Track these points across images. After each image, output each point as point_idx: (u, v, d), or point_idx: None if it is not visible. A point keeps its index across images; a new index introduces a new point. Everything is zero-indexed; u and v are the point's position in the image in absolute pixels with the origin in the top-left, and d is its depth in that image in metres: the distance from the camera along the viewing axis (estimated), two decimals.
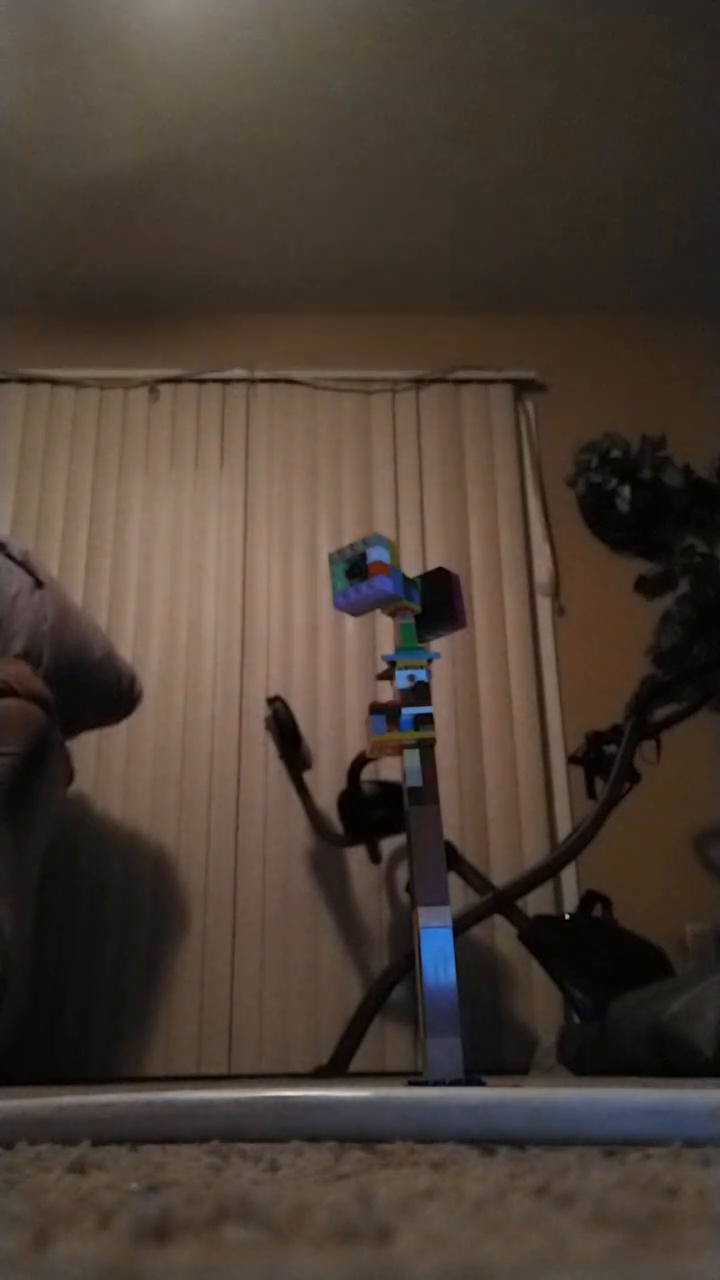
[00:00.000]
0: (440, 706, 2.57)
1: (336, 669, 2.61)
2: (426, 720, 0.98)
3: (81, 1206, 0.30)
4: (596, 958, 1.89)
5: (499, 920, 2.27)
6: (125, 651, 2.54)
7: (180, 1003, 2.30)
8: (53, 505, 2.75)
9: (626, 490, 2.74)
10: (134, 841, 2.44)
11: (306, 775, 2.39)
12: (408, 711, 0.98)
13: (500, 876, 2.33)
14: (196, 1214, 0.27)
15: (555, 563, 2.79)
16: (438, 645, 2.65)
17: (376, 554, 0.97)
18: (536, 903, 2.34)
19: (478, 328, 3.04)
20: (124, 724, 2.30)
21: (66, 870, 2.37)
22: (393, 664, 1.01)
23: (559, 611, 2.75)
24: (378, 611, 1.01)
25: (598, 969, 1.86)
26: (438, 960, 0.90)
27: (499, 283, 2.95)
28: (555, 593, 2.76)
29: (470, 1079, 0.86)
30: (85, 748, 2.44)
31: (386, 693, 2.51)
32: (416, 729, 0.98)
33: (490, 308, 3.03)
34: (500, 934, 2.35)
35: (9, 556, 2.00)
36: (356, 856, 2.42)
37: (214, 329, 3.01)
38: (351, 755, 2.45)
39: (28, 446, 2.82)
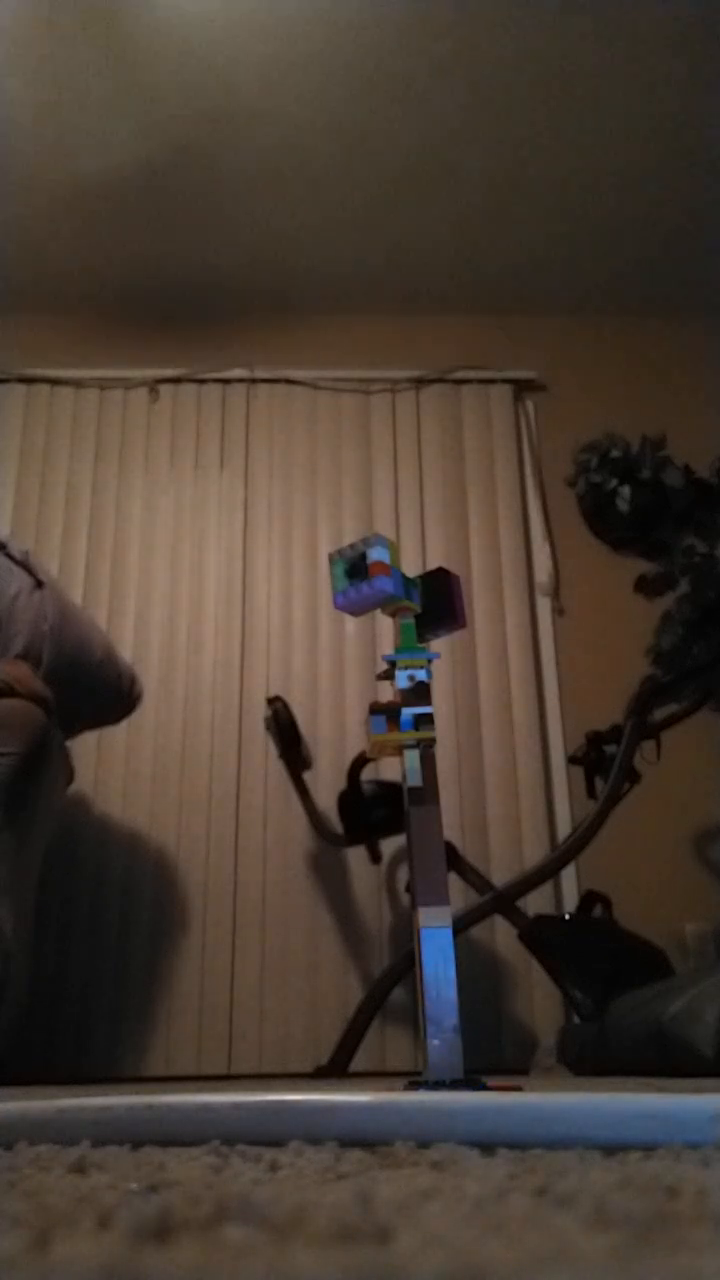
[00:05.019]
0: (440, 706, 2.57)
1: (336, 669, 2.61)
2: (426, 720, 0.98)
3: (81, 1206, 0.30)
4: (596, 958, 1.89)
5: (499, 920, 2.27)
6: (125, 651, 2.53)
7: (180, 1003, 2.30)
8: (53, 505, 2.75)
9: (626, 490, 2.74)
10: (134, 841, 2.44)
11: (306, 775, 2.39)
12: (408, 711, 0.98)
13: (500, 876, 2.33)
14: (196, 1214, 0.27)
15: (555, 563, 2.79)
16: (438, 645, 2.64)
17: (377, 554, 0.97)
18: (536, 903, 2.34)
19: (478, 328, 3.04)
20: (124, 724, 2.30)
21: (66, 870, 2.36)
22: (393, 664, 1.01)
23: (559, 611, 2.75)
24: (378, 611, 1.01)
25: (598, 969, 1.85)
26: (438, 960, 0.90)
27: (499, 283, 2.95)
28: (555, 593, 2.76)
29: (470, 1079, 0.86)
30: (85, 748, 2.44)
31: (386, 693, 2.50)
32: (416, 729, 0.98)
33: (490, 308, 3.03)
34: (500, 934, 2.35)
35: (9, 556, 1.99)
36: (356, 856, 2.42)
37: (214, 329, 3.01)
38: (351, 755, 2.45)
39: (28, 446, 2.82)
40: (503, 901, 1.98)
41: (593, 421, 2.91)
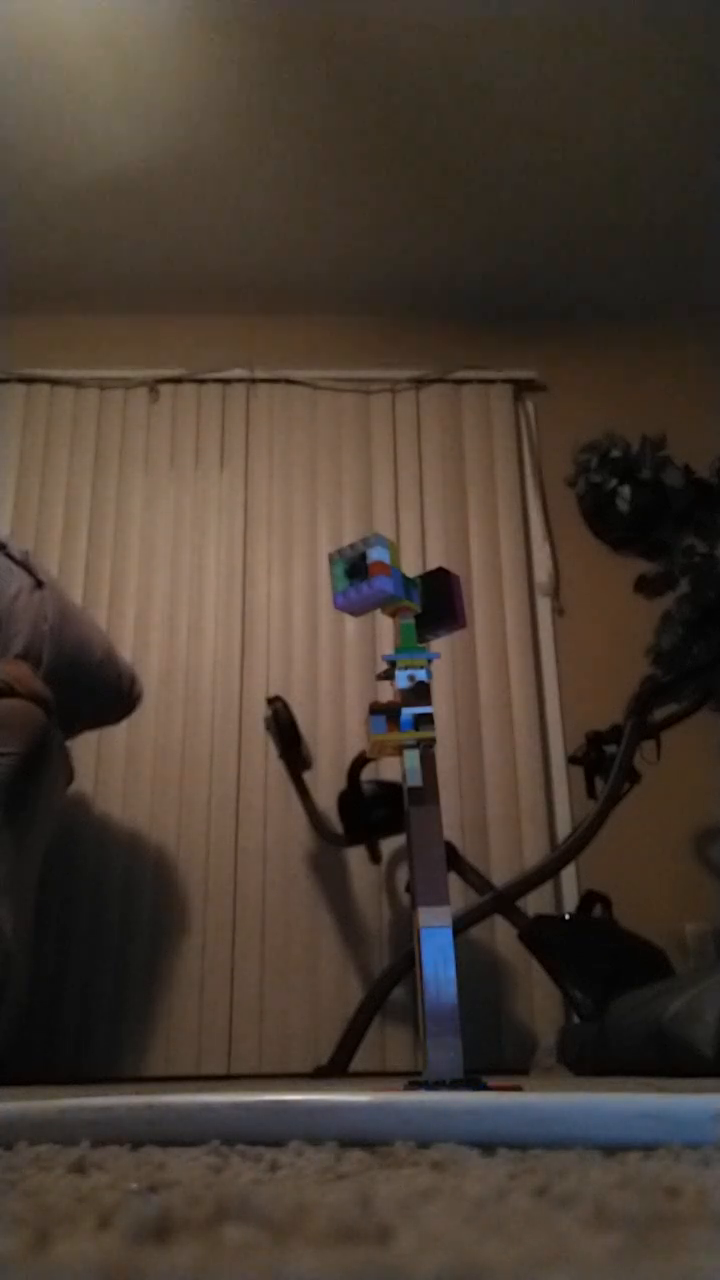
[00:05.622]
0: (440, 706, 2.57)
1: (336, 669, 2.61)
2: (426, 720, 0.98)
3: (81, 1206, 0.30)
4: (596, 958, 1.89)
5: (499, 920, 2.27)
6: (125, 651, 2.53)
7: (180, 1003, 2.30)
8: (53, 505, 2.75)
9: (626, 490, 2.74)
10: (134, 841, 2.44)
11: (306, 775, 2.39)
12: (408, 711, 0.98)
13: (500, 876, 2.33)
14: (196, 1214, 0.27)
15: (555, 563, 2.79)
16: (438, 645, 2.64)
17: (377, 554, 0.97)
18: (536, 903, 2.34)
19: (478, 328, 3.04)
20: (124, 724, 2.30)
21: (66, 870, 2.36)
22: (393, 664, 1.01)
23: (559, 611, 2.75)
24: (378, 611, 1.01)
25: (598, 969, 1.85)
26: (438, 960, 0.90)
27: (499, 283, 2.95)
28: (555, 593, 2.76)
29: (470, 1079, 0.86)
30: (85, 748, 2.44)
31: (386, 693, 2.50)
32: (416, 729, 0.98)
33: (490, 308, 3.03)
34: (500, 934, 2.35)
35: (9, 556, 2.00)
36: (356, 856, 2.42)
37: (214, 329, 3.01)
38: (351, 755, 2.45)
39: (28, 446, 2.82)
40: (503, 901, 1.98)
41: (593, 421, 2.91)
